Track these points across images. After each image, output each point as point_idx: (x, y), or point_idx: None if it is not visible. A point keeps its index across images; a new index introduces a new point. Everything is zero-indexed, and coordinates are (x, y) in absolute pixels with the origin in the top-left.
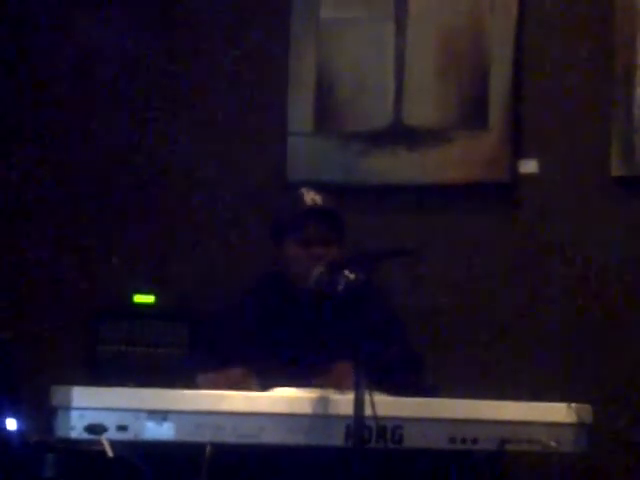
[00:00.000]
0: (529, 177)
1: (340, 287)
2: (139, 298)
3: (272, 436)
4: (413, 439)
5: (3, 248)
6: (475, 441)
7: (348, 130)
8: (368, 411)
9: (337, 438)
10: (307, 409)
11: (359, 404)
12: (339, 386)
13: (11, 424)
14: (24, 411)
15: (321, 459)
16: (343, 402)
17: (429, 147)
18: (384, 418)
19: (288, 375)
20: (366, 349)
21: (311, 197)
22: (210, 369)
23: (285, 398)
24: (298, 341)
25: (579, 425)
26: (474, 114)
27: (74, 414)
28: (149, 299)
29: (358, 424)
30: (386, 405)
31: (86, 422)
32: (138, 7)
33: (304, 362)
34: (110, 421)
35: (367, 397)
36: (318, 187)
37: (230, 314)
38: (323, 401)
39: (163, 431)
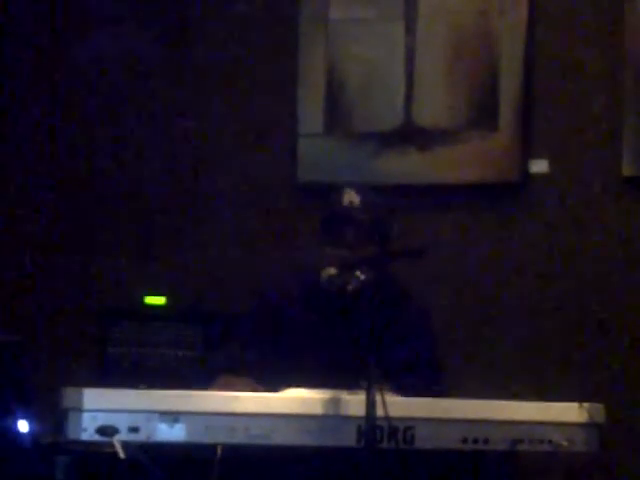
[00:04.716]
0: (539, 177)
1: (350, 287)
2: (150, 300)
3: (283, 437)
4: (425, 439)
5: (14, 250)
6: (487, 441)
7: (358, 131)
8: (380, 412)
9: (349, 439)
10: (318, 410)
11: (371, 405)
12: None
13: (22, 426)
14: (35, 413)
15: (332, 460)
16: (355, 403)
17: (439, 147)
18: (396, 419)
19: (311, 376)
20: (378, 350)
21: (349, 198)
22: (239, 367)
23: (296, 399)
24: (317, 341)
25: (591, 425)
26: (484, 114)
27: (85, 416)
28: (160, 301)
29: (370, 425)
30: (398, 406)
31: (97, 424)
32: (144, 10)
33: (322, 362)
34: (121, 423)
35: (379, 398)
36: (364, 186)
37: (267, 314)
38: (334, 402)
39: (174, 432)
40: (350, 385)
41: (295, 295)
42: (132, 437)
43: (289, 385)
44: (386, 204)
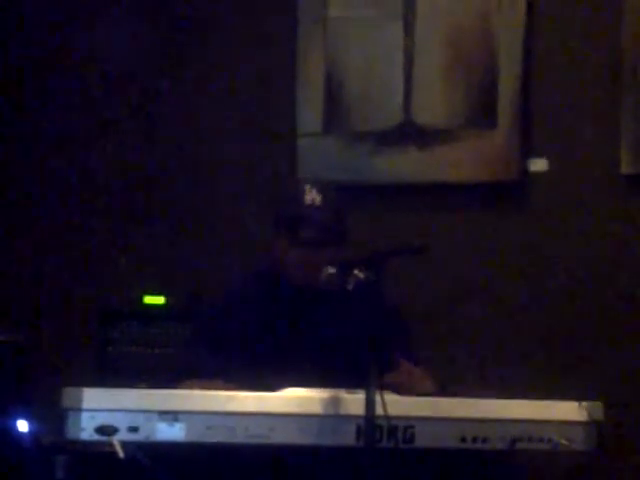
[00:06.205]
0: (538, 175)
1: (350, 286)
2: (149, 299)
3: (283, 436)
4: (424, 438)
5: (14, 251)
6: (486, 440)
7: (357, 129)
8: (379, 410)
9: (348, 438)
10: (318, 409)
11: (370, 404)
12: (407, 386)
13: (22, 426)
14: (35, 413)
15: (332, 459)
16: (354, 402)
17: (438, 146)
18: (395, 417)
19: (293, 374)
20: (376, 346)
21: (311, 197)
22: (205, 371)
23: (295, 398)
24: (300, 341)
25: (590, 423)
26: (483, 112)
27: (85, 415)
28: (159, 300)
29: (369, 424)
30: (397, 404)
31: (97, 423)
32: (142, 10)
33: (307, 361)
34: (121, 422)
35: (378, 396)
36: (324, 184)
37: (227, 311)
38: (334, 401)
39: (174, 432)
40: (342, 385)
41: (286, 294)
42: (131, 437)
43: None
44: (343, 202)
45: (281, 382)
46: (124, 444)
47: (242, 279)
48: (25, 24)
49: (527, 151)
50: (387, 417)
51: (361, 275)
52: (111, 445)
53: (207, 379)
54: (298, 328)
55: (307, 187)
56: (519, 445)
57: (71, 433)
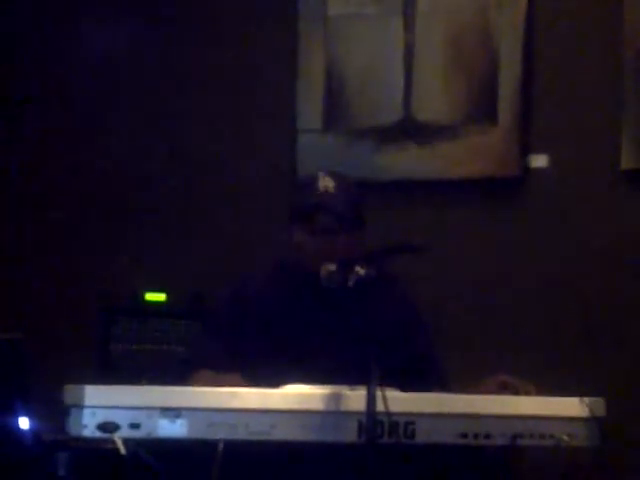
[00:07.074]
0: (539, 172)
1: (350, 283)
2: (150, 296)
3: (284, 433)
4: (425, 434)
5: (14, 247)
6: (487, 436)
7: (358, 126)
8: (380, 407)
9: (349, 434)
10: (319, 405)
11: (371, 400)
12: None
13: (24, 423)
14: (37, 410)
15: (333, 455)
16: (355, 398)
17: (439, 142)
18: (396, 414)
19: (304, 370)
20: (380, 345)
21: (324, 184)
22: (215, 362)
23: (297, 394)
24: (310, 336)
25: (592, 419)
26: (484, 109)
27: (86, 412)
28: (160, 297)
29: (370, 420)
30: (398, 401)
31: (98, 420)
32: (140, 9)
33: (318, 356)
34: (123, 419)
35: (379, 393)
36: (338, 173)
37: (240, 303)
38: (335, 397)
39: (176, 429)
40: (349, 382)
41: (290, 289)
42: (133, 433)
43: (281, 383)
44: (360, 191)
45: (301, 374)
46: (126, 441)
47: (258, 272)
48: (22, 21)
49: (527, 147)
50: (388, 413)
51: (362, 272)
52: (113, 442)
53: (218, 371)
54: (316, 319)
55: (320, 175)
56: (520, 441)
57: (73, 430)
